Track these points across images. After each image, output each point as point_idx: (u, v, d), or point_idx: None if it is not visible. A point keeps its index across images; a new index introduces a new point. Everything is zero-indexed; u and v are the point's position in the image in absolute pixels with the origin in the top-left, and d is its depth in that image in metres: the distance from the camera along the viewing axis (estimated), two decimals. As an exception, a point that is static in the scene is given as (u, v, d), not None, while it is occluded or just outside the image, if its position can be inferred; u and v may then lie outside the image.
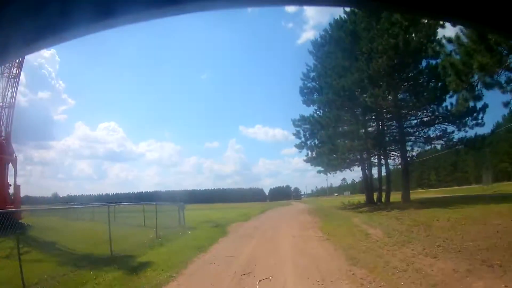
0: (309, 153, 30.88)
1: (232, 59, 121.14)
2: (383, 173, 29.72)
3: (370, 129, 26.21)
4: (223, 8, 1.07)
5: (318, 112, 28.02)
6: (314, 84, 29.42)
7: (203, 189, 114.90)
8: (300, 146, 31.05)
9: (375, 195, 28.76)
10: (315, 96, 28.56)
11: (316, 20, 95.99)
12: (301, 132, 30.47)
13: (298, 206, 47.32)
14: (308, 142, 30.46)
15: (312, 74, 29.95)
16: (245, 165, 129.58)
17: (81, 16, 0.94)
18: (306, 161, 31.54)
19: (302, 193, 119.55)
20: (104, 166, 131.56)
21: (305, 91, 29.94)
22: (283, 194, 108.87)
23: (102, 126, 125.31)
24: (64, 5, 0.93)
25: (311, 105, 29.39)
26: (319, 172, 32.68)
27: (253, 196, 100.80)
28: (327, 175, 34.05)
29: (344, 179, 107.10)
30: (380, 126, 26.18)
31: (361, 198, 34.60)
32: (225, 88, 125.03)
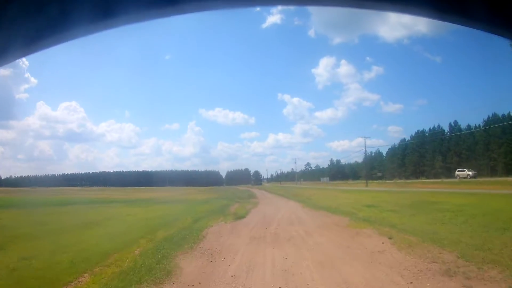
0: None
1: (195, 41, 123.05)
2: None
3: None
4: (223, 8, 1.07)
5: None
6: None
7: (155, 170, 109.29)
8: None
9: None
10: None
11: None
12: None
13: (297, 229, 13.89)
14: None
15: None
16: (204, 148, 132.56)
17: (81, 16, 0.95)
18: None
19: (263, 177, 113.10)
20: (64, 146, 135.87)
21: None
22: (241, 178, 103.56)
23: (63, 106, 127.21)
24: (64, 5, 0.94)
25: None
26: None
27: (209, 179, 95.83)
28: None
29: (308, 164, 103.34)
30: None
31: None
32: (186, 70, 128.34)
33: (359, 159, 71.39)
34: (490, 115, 51.15)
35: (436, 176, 52.94)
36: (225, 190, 57.19)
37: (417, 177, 55.39)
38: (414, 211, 16.94)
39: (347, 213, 17.60)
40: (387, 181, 54.12)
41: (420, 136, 60.14)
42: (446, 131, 58.14)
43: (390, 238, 10.73)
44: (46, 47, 1.01)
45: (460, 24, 1.03)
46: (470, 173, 44.81)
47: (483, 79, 67.96)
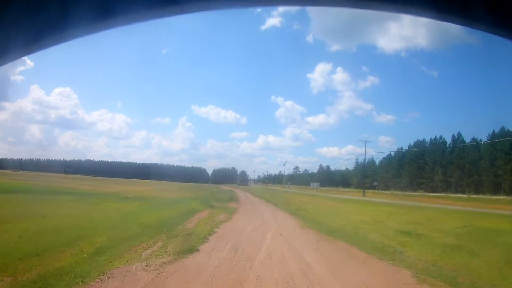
0: None
1: (192, 39, 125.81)
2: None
3: None
4: (223, 8, 1.08)
5: None
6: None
7: (141, 163, 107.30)
8: None
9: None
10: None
11: (284, 8, 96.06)
12: None
13: None
14: None
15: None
16: (194, 144, 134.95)
17: (81, 16, 0.96)
18: None
19: (250, 178, 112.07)
20: (55, 133, 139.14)
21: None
22: (227, 177, 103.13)
23: (57, 91, 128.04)
24: (64, 5, 0.94)
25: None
26: None
27: (194, 176, 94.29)
28: None
29: (296, 167, 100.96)
30: None
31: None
32: (181, 66, 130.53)
33: (350, 166, 70.47)
34: (497, 130, 47.56)
35: (433, 189, 49.49)
36: (205, 189, 52.30)
37: (414, 189, 51.78)
38: (495, 251, 10.18)
39: (386, 251, 10.43)
40: (383, 192, 52.23)
41: (419, 145, 56.76)
42: (448, 142, 54.27)
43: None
44: (46, 47, 1.01)
45: (460, 24, 1.04)
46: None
47: (486, 93, 67.67)
